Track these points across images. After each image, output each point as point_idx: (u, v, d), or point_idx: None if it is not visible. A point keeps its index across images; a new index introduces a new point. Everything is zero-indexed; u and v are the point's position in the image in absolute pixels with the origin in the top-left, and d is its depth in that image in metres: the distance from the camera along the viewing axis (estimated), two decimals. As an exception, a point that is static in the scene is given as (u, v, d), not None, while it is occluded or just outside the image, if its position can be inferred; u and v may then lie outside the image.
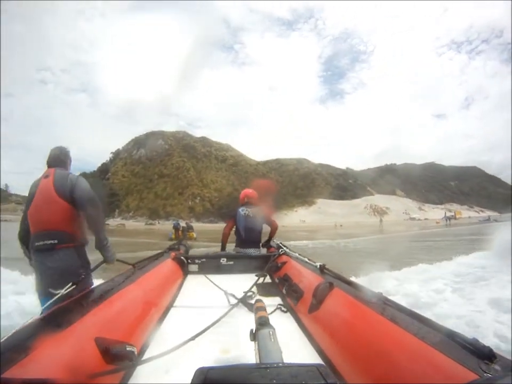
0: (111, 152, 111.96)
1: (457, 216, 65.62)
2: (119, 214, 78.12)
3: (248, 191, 3.07)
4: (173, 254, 2.34)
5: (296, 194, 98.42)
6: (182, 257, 2.33)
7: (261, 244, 2.91)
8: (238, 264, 2.41)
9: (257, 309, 0.84)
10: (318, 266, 1.59)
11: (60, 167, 1.64)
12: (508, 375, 0.55)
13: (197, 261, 2.39)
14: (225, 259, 2.42)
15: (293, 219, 67.05)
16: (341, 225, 42.59)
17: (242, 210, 2.85)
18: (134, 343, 0.98)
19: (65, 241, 1.53)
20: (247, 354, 0.95)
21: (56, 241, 1.51)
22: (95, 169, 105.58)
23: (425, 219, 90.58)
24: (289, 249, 2.35)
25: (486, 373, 0.56)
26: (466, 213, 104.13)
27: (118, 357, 0.86)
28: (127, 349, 0.89)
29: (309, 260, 1.88)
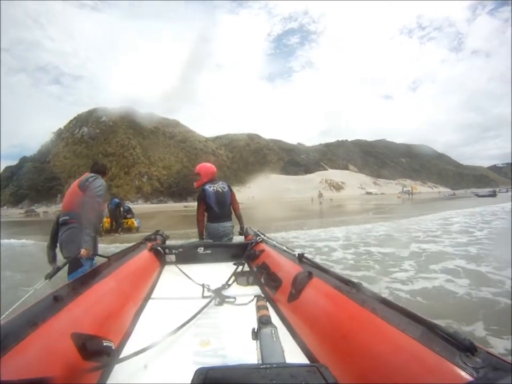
0: (53, 132, 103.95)
1: (414, 191, 65.71)
2: (61, 200, 72.65)
3: (209, 167, 2.98)
4: (149, 244, 2.33)
5: (248, 170, 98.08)
6: (159, 248, 2.31)
7: (238, 231, 2.96)
8: (215, 252, 2.39)
9: (258, 307, 0.83)
10: (297, 255, 1.55)
11: (95, 174, 2.35)
12: (487, 366, 0.54)
13: (174, 251, 2.37)
14: (202, 248, 2.40)
15: (246, 195, 66.01)
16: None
17: (209, 187, 2.80)
18: (112, 338, 0.96)
19: (75, 218, 2.16)
20: (226, 347, 0.97)
21: (68, 218, 2.20)
22: (36, 152, 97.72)
23: (382, 193, 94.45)
24: (267, 237, 2.35)
25: (467, 365, 0.56)
26: (419, 188, 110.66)
27: (96, 352, 0.84)
28: (105, 344, 0.88)
29: (287, 248, 1.83)
